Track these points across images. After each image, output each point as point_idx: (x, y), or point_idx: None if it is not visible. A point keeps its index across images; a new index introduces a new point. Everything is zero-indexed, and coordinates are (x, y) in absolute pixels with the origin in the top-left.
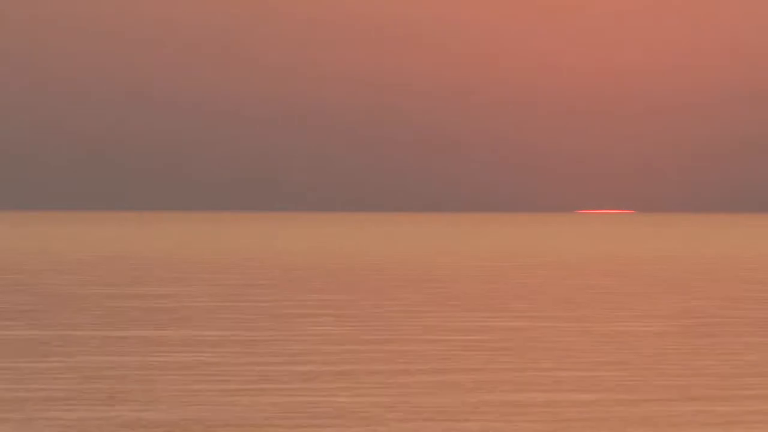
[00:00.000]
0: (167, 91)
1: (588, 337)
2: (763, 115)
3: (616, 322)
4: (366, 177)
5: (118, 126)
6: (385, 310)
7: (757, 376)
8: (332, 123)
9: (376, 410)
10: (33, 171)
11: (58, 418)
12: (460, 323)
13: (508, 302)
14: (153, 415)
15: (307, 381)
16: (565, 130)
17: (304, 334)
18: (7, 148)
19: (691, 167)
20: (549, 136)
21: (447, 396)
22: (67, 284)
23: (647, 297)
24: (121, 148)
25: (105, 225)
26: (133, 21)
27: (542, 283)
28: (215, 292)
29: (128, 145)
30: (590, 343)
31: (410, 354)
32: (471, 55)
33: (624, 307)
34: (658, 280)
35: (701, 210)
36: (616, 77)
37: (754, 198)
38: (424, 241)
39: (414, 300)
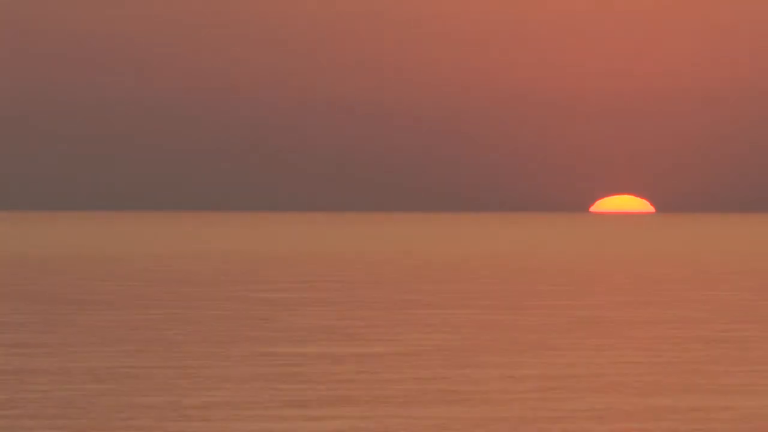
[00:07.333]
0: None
1: None
2: None
3: None
4: (367, 177)
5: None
6: None
7: None
8: (334, 119)
9: None
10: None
11: None
12: None
13: None
14: None
15: None
16: (575, 127)
17: None
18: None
19: (717, 166)
20: (558, 133)
21: None
22: None
23: None
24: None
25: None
26: (131, 21)
27: None
28: None
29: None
30: None
31: None
32: (479, 51)
33: None
34: None
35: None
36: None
37: None
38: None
39: None
